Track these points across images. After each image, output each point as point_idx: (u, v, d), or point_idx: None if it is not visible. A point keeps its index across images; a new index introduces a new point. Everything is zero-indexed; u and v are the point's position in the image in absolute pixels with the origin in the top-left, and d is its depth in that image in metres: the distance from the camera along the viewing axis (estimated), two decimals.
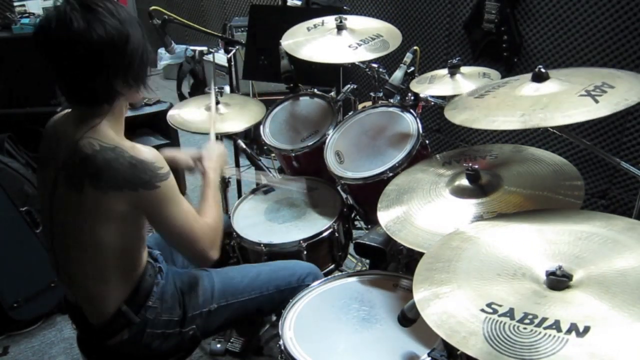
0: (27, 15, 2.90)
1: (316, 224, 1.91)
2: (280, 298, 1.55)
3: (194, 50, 4.31)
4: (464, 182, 1.46)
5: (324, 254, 1.91)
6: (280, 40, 2.11)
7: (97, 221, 1.30)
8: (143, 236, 1.43)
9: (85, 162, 1.26)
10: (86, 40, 1.22)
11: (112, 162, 1.26)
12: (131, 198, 1.28)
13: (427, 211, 1.44)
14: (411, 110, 1.96)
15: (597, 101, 1.14)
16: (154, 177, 1.29)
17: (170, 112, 2.28)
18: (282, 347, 1.34)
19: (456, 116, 1.33)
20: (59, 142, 1.35)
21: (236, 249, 1.94)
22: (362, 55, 1.98)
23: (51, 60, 1.29)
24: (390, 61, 3.12)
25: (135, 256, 1.42)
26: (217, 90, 2.27)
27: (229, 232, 1.93)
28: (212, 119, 2.04)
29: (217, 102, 2.22)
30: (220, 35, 2.68)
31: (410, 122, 1.93)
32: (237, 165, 2.75)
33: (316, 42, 2.07)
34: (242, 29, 3.58)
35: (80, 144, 1.28)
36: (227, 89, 3.12)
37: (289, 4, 3.49)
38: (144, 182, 1.27)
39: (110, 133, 1.31)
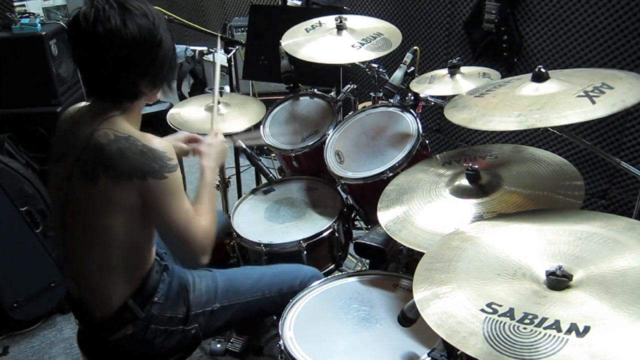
0: (27, 15, 2.90)
1: (316, 224, 1.91)
2: (282, 301, 1.55)
3: (194, 50, 4.33)
4: (464, 182, 1.46)
5: (324, 254, 1.91)
6: (280, 41, 2.11)
7: (109, 212, 1.32)
8: (151, 233, 1.44)
9: (100, 152, 1.30)
10: (121, 38, 1.27)
11: (125, 150, 1.29)
12: (140, 187, 1.29)
13: (427, 211, 1.44)
14: (411, 110, 1.96)
15: (594, 102, 1.14)
16: (164, 167, 1.31)
17: (171, 112, 2.28)
18: (282, 347, 1.34)
19: (455, 115, 1.33)
20: (75, 135, 1.37)
21: (236, 249, 1.94)
22: (364, 54, 1.98)
23: (82, 54, 1.33)
24: (390, 61, 3.12)
25: (143, 252, 1.44)
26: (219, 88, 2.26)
27: (229, 232, 1.94)
28: (214, 112, 1.99)
29: (219, 102, 2.21)
30: (220, 35, 2.67)
31: (410, 122, 1.93)
32: (237, 164, 2.76)
33: (316, 42, 2.07)
34: (242, 29, 3.58)
35: (95, 135, 1.31)
36: (227, 89, 3.12)
37: (289, 4, 3.50)
38: (153, 170, 1.29)
39: (125, 124, 1.35)
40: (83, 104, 1.45)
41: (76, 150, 1.34)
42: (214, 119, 1.93)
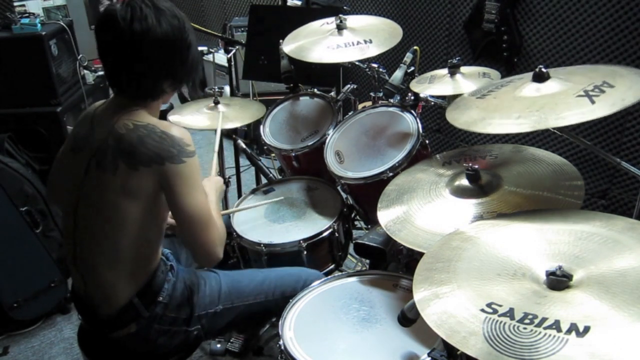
0: (27, 15, 2.90)
1: (316, 224, 1.91)
2: (284, 304, 1.55)
3: None
4: (464, 182, 1.46)
5: (324, 254, 1.91)
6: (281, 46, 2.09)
7: (125, 202, 1.33)
8: (161, 229, 1.45)
9: (119, 141, 1.32)
10: (156, 37, 1.30)
11: (144, 137, 1.31)
12: (158, 173, 1.31)
13: (427, 211, 1.44)
14: (411, 110, 1.96)
15: (593, 102, 1.13)
16: (182, 152, 1.33)
17: (172, 119, 2.25)
18: (282, 347, 1.34)
19: (456, 119, 1.31)
20: (95, 129, 1.39)
21: (236, 249, 1.93)
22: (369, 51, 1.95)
23: (113, 50, 1.34)
24: (390, 61, 3.12)
25: (151, 248, 1.44)
26: (217, 90, 2.26)
27: (229, 232, 1.93)
28: (214, 159, 1.87)
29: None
30: (220, 35, 2.68)
31: (410, 122, 1.93)
32: (237, 164, 2.76)
33: (319, 44, 2.04)
34: (242, 29, 3.58)
35: (115, 126, 1.34)
36: (227, 89, 3.12)
37: (289, 4, 3.49)
38: (171, 155, 1.31)
39: (144, 114, 1.37)
40: (106, 100, 1.47)
41: (95, 143, 1.36)
42: (214, 165, 1.85)
